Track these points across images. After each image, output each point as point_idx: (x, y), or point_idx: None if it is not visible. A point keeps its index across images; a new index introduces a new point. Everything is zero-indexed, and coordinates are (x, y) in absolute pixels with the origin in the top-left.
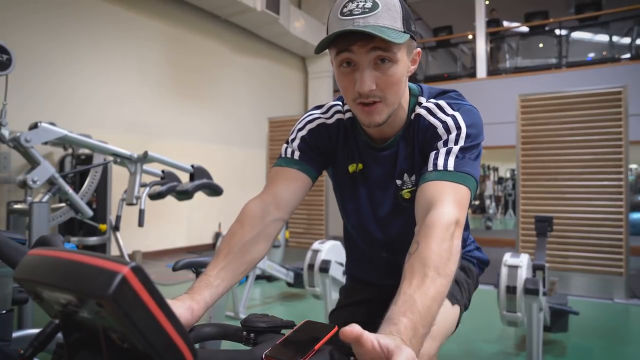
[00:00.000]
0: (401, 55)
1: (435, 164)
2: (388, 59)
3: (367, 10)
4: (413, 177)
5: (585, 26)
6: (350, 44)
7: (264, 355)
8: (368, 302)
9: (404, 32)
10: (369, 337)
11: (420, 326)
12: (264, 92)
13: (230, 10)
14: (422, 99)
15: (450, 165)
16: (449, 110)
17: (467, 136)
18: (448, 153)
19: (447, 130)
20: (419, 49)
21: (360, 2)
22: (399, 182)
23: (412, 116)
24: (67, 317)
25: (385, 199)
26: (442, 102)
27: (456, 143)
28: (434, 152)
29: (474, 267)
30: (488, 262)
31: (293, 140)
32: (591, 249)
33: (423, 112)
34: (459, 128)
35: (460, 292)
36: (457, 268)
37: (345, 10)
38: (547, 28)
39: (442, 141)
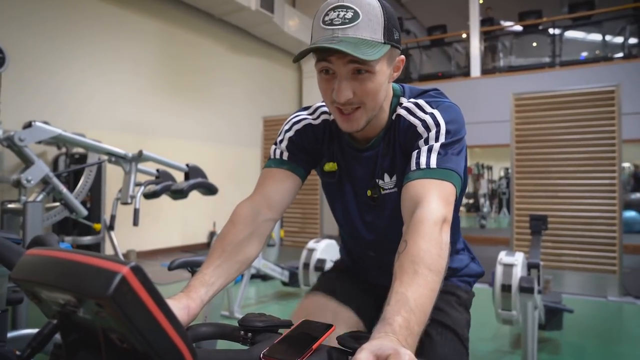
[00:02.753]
0: (380, 67)
1: (417, 163)
2: (366, 70)
3: (347, 21)
4: (394, 178)
5: (578, 25)
6: (328, 55)
7: (262, 355)
8: (357, 286)
9: (385, 42)
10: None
11: (415, 324)
12: (259, 91)
13: (224, 9)
14: (403, 100)
15: (433, 163)
16: (428, 109)
17: (447, 132)
18: (430, 151)
19: (427, 128)
20: (402, 57)
21: (342, 11)
22: (378, 181)
23: (394, 117)
24: (66, 318)
25: (367, 199)
26: (420, 101)
27: (437, 140)
28: (415, 151)
29: (470, 287)
30: (483, 274)
31: (281, 141)
32: (585, 247)
33: (403, 112)
34: (438, 125)
35: (465, 349)
36: (458, 312)
37: (326, 19)
38: (540, 27)
39: (422, 139)
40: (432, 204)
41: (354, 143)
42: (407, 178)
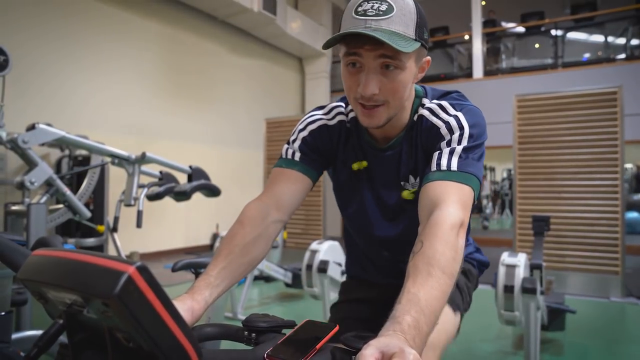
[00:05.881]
0: (409, 63)
1: (438, 164)
2: (395, 66)
3: (382, 13)
4: (418, 179)
5: (580, 27)
6: (359, 46)
7: (265, 355)
8: (369, 300)
9: (415, 39)
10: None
11: (424, 324)
12: (261, 92)
13: (227, 11)
14: (426, 100)
15: (454, 166)
16: (452, 111)
17: (470, 136)
18: (451, 153)
19: (450, 131)
20: (428, 58)
21: (376, 3)
22: (403, 183)
23: (415, 117)
24: (72, 317)
25: (389, 199)
26: (444, 103)
27: (459, 143)
28: (437, 152)
29: (474, 268)
30: (488, 264)
31: (294, 141)
32: (587, 248)
33: (426, 113)
34: (461, 128)
35: (462, 297)
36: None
37: (360, 9)
38: (543, 28)
39: (445, 141)
40: (450, 207)
41: (374, 142)
42: (426, 178)
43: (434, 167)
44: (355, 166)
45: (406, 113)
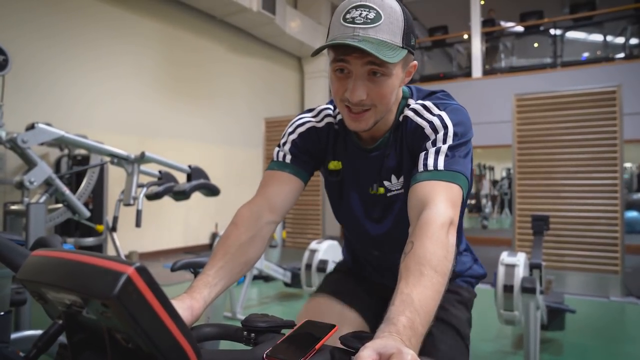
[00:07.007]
0: (396, 70)
1: (425, 164)
2: (382, 73)
3: (369, 21)
4: (401, 179)
5: (579, 26)
6: (346, 54)
7: (265, 355)
8: (365, 290)
9: (402, 47)
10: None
11: (419, 325)
12: (260, 92)
13: (226, 11)
14: (411, 101)
15: (441, 165)
16: (435, 110)
17: (455, 135)
18: (437, 152)
19: (435, 130)
20: (415, 62)
21: (364, 11)
22: (386, 183)
23: (401, 118)
24: (71, 318)
25: (373, 199)
26: (428, 103)
27: (444, 142)
28: (423, 152)
29: (472, 290)
30: (485, 275)
31: (284, 143)
32: (587, 248)
33: (410, 113)
34: (445, 127)
35: (466, 346)
36: (458, 309)
37: (348, 16)
38: (542, 28)
39: (430, 141)
40: (439, 206)
41: (360, 143)
42: (414, 179)
43: (421, 167)
44: (331, 165)
45: (392, 114)
